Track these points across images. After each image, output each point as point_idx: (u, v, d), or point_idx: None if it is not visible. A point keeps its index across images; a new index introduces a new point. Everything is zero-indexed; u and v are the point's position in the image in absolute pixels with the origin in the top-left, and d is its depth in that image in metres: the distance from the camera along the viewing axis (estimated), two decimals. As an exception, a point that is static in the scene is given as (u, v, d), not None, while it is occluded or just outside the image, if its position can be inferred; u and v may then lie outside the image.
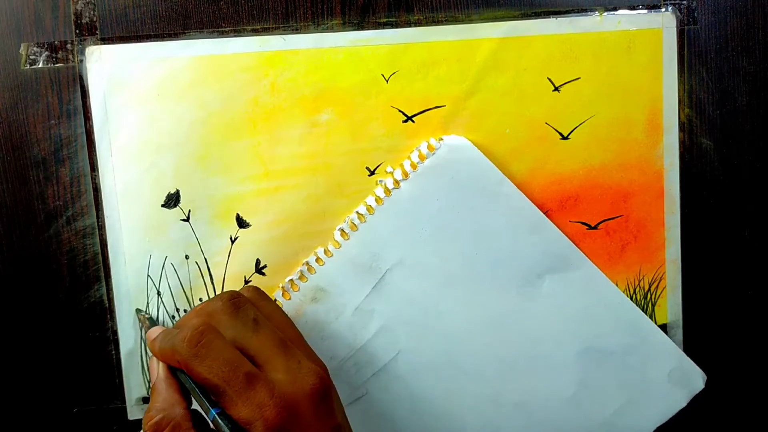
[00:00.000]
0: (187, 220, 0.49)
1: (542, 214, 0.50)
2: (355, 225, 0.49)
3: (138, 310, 0.49)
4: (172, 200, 0.49)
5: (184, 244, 0.49)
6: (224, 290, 0.47)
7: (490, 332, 0.50)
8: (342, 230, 0.49)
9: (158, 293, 0.49)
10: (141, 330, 0.49)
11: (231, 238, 0.49)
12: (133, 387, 0.50)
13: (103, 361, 0.50)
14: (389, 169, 0.49)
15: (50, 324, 0.49)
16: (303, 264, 0.49)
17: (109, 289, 0.49)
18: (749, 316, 0.52)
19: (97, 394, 0.50)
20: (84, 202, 0.49)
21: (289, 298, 0.49)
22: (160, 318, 0.49)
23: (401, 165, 0.49)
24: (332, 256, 0.49)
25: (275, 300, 0.49)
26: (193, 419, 0.39)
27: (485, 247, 0.49)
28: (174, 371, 0.41)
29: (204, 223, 0.49)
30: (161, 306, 0.49)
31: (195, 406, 0.40)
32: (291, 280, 0.49)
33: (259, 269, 0.49)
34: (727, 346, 0.52)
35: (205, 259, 0.49)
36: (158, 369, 0.41)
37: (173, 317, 0.49)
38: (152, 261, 0.49)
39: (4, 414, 0.50)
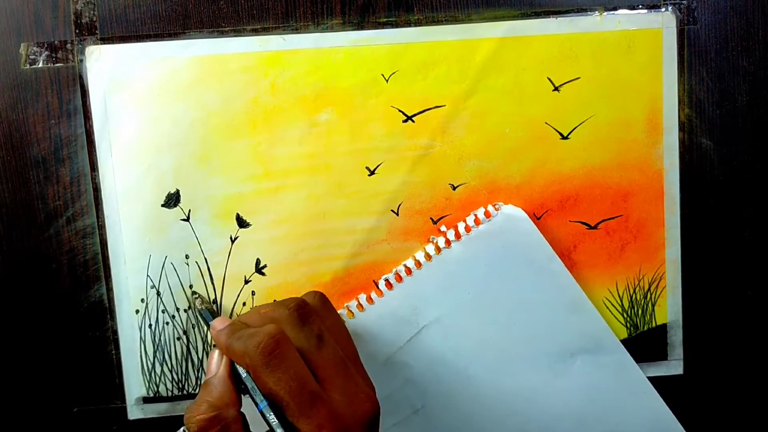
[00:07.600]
0: (187, 220, 0.49)
1: (585, 295, 0.50)
2: (400, 277, 0.49)
3: (194, 292, 0.49)
4: (172, 200, 0.49)
5: (184, 244, 0.49)
6: (288, 297, 0.44)
7: (515, 402, 0.50)
8: (387, 280, 0.49)
9: (158, 293, 0.49)
10: (196, 314, 0.49)
11: (231, 238, 0.49)
12: (133, 387, 0.50)
13: (103, 361, 0.50)
14: (443, 228, 0.49)
15: (50, 324, 0.49)
16: (343, 308, 0.49)
17: (109, 289, 0.49)
18: (749, 316, 0.52)
19: (97, 394, 0.50)
20: (84, 202, 0.49)
21: None
22: (159, 319, 0.49)
23: (455, 226, 0.49)
24: (373, 303, 0.49)
25: None
26: (243, 423, 0.40)
27: (524, 319, 0.50)
28: (235, 368, 0.41)
29: (204, 223, 0.49)
30: (161, 306, 0.49)
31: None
32: None
33: (259, 269, 0.49)
34: (727, 346, 0.52)
35: (205, 259, 0.49)
36: (220, 365, 0.41)
37: (173, 317, 0.49)
38: (152, 261, 0.49)
39: (4, 414, 0.50)
